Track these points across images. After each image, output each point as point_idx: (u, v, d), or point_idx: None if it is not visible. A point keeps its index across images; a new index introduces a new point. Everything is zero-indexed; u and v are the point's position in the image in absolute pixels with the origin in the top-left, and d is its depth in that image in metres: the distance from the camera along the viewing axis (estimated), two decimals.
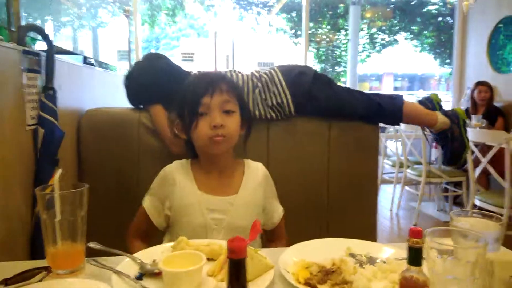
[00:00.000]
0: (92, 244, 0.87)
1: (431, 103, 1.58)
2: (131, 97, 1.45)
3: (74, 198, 0.80)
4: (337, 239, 0.96)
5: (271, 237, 1.23)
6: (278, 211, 1.20)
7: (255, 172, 1.17)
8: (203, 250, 0.84)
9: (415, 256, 0.63)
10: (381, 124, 1.57)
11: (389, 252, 0.90)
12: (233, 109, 1.09)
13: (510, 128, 3.63)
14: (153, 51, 11.61)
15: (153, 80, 1.40)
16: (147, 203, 1.13)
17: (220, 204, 1.10)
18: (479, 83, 4.00)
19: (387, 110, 1.48)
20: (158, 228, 1.14)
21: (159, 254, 0.85)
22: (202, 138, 1.07)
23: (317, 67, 9.01)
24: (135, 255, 0.86)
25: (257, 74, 1.44)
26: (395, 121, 1.55)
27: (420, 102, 1.59)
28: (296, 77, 1.43)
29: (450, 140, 1.52)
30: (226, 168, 1.14)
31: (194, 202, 1.09)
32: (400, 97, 1.52)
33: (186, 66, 1.50)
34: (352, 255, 0.88)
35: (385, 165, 4.33)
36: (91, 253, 0.86)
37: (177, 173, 1.12)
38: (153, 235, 1.16)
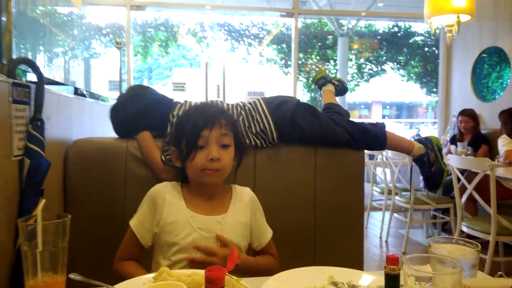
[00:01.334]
0: (72, 275, 0.86)
1: (431, 144, 1.62)
2: (118, 129, 1.48)
3: (56, 229, 0.80)
4: (320, 267, 0.96)
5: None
6: (266, 233, 1.23)
7: (242, 194, 1.22)
8: (185, 280, 0.84)
9: (392, 283, 0.64)
10: (369, 152, 1.62)
11: (371, 279, 0.90)
12: (229, 143, 1.15)
13: (495, 155, 3.69)
14: (145, 81, 11.75)
15: (138, 110, 1.43)
16: (134, 221, 1.15)
17: (208, 222, 1.12)
18: (461, 113, 4.08)
19: (372, 134, 1.53)
20: (144, 246, 1.14)
21: (141, 286, 0.85)
22: (198, 170, 1.12)
23: (306, 96, 9.15)
24: (116, 286, 0.85)
25: (241, 104, 1.49)
26: (380, 145, 1.59)
27: (419, 141, 1.63)
28: (278, 105, 1.48)
29: (427, 165, 1.59)
30: (215, 193, 1.19)
31: (182, 219, 1.11)
32: (382, 123, 1.58)
33: (178, 96, 1.54)
34: (335, 284, 0.89)
35: (374, 192, 4.35)
36: (72, 284, 0.85)
37: (167, 192, 1.16)
38: (139, 259, 1.16)
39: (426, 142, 1.61)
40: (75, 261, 0.93)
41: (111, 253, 1.15)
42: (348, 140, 1.49)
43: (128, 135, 1.47)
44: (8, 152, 1.03)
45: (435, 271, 0.69)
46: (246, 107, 1.47)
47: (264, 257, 1.23)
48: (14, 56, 1.37)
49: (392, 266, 0.64)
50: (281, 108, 1.47)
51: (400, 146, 1.61)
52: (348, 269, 0.95)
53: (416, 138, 1.66)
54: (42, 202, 0.84)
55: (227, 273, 0.77)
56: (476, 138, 3.93)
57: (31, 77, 1.42)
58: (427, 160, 1.59)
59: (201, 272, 0.89)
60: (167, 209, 1.13)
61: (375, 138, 1.53)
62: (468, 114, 4.01)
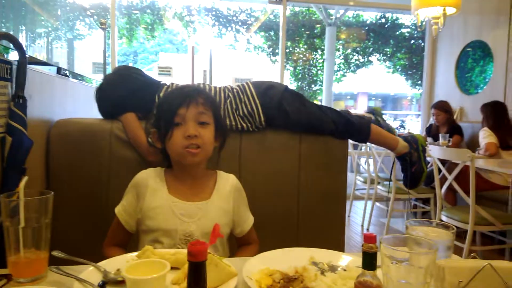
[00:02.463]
0: (55, 253, 0.86)
1: (416, 143, 1.63)
2: (103, 109, 1.46)
3: (39, 205, 0.80)
4: (301, 248, 0.98)
5: (243, 243, 1.25)
6: (248, 220, 1.23)
7: (226, 181, 1.21)
8: (169, 259, 0.85)
9: (369, 261, 0.66)
10: (352, 141, 1.62)
11: (349, 260, 0.93)
12: (208, 121, 1.13)
13: (471, 146, 3.78)
14: (131, 64, 11.58)
15: (124, 91, 1.41)
16: (119, 208, 1.15)
17: (190, 209, 1.12)
18: (432, 105, 4.14)
19: (356, 126, 1.54)
20: (130, 232, 1.15)
21: (124, 263, 0.85)
22: (177, 148, 1.10)
23: (293, 85, 9.16)
24: (99, 263, 0.86)
25: (229, 87, 1.48)
26: (363, 138, 1.61)
27: (405, 139, 1.63)
28: (266, 89, 1.48)
29: (409, 164, 1.60)
30: (199, 177, 1.18)
31: (164, 205, 1.11)
32: (369, 117, 1.59)
33: (164, 80, 1.52)
34: (315, 263, 0.91)
35: (357, 181, 4.41)
36: (55, 262, 0.85)
37: (150, 178, 1.15)
38: (127, 244, 1.17)
39: (412, 141, 1.62)
40: (59, 240, 0.92)
41: (94, 232, 1.16)
42: (333, 129, 1.50)
43: (113, 116, 1.45)
44: None
45: (409, 251, 0.72)
46: (234, 90, 1.47)
47: (249, 251, 1.22)
48: None
49: (369, 244, 0.65)
50: (269, 92, 1.47)
51: (384, 142, 1.63)
52: (329, 250, 0.97)
53: (402, 135, 1.66)
54: (25, 179, 0.84)
55: (210, 252, 0.78)
56: (450, 129, 3.99)
57: (13, 57, 1.39)
58: (409, 159, 1.60)
59: (185, 251, 0.90)
60: (149, 195, 1.13)
61: (357, 130, 1.55)
62: (438, 107, 4.06)
